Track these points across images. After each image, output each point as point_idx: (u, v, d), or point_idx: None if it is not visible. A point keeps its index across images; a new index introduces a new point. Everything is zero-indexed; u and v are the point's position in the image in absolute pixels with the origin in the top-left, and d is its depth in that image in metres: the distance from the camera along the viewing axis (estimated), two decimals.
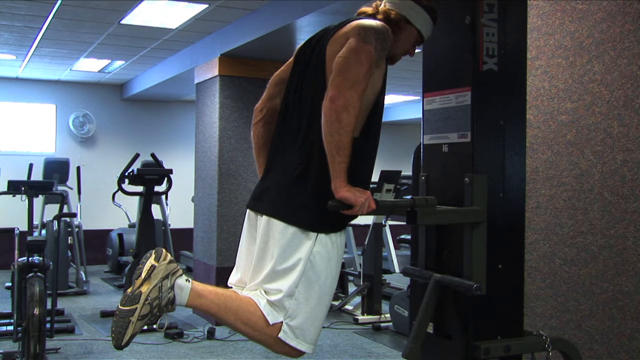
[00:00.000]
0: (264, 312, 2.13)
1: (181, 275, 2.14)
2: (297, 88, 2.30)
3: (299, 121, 2.24)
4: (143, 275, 2.09)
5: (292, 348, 2.17)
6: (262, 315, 2.13)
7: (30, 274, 4.27)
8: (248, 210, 2.35)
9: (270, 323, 2.13)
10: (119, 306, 2.08)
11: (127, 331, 2.06)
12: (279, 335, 2.14)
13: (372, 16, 2.27)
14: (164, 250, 2.18)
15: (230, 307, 2.15)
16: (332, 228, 2.19)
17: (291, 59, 2.44)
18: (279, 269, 2.14)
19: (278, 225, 2.16)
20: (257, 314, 2.13)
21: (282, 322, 2.14)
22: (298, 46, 2.42)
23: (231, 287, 2.35)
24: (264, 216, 2.21)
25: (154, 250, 2.17)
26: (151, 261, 2.12)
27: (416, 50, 2.37)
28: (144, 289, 2.07)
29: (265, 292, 2.16)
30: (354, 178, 2.11)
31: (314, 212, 2.15)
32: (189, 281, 2.13)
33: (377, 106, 2.24)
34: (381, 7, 2.29)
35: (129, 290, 2.09)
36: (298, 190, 2.18)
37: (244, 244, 2.36)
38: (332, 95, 2.02)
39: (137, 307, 2.05)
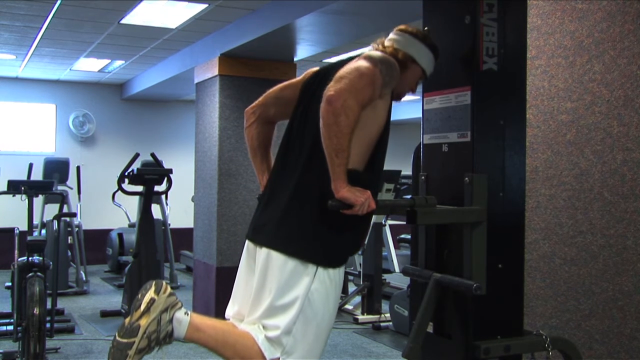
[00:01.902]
0: (262, 347, 2.13)
1: (180, 308, 2.16)
2: (301, 121, 2.30)
3: (301, 154, 2.24)
4: (142, 307, 2.10)
5: None
6: (260, 350, 2.13)
7: (30, 274, 4.27)
8: (247, 241, 2.34)
9: (268, 359, 2.13)
10: (117, 337, 2.09)
11: None
12: None
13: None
14: (164, 282, 2.19)
15: (228, 341, 2.16)
16: (331, 262, 2.18)
17: (296, 80, 2.44)
18: (277, 305, 2.14)
19: (277, 259, 2.15)
20: (255, 349, 2.14)
21: (279, 359, 2.14)
22: (307, 72, 2.41)
23: (229, 319, 2.35)
24: (264, 248, 2.21)
25: (154, 282, 2.17)
26: (151, 293, 2.13)
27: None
28: (143, 322, 2.08)
29: (263, 327, 2.16)
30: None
31: (314, 245, 2.15)
32: (187, 314, 2.15)
33: (382, 141, 2.23)
34: (387, 45, 2.30)
35: (127, 321, 2.10)
36: (298, 223, 2.18)
37: (242, 276, 2.35)
38: (330, 98, 2.02)
39: (135, 341, 2.06)
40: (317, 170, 2.15)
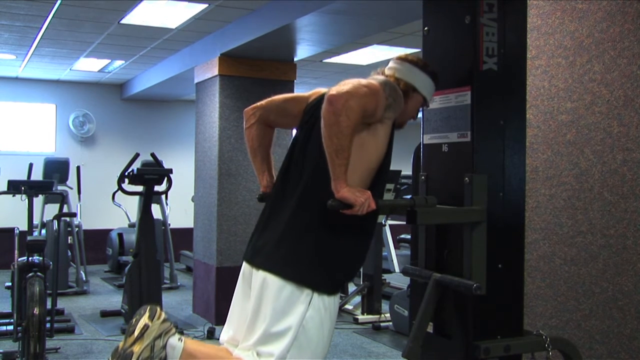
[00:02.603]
0: None
1: (174, 334, 2.16)
2: (302, 144, 2.30)
3: (301, 178, 2.24)
4: (136, 333, 2.11)
5: None
6: None
7: (30, 274, 4.27)
8: (244, 263, 2.33)
9: None
10: None
11: None
12: None
13: None
14: (158, 308, 2.18)
15: None
16: (327, 288, 2.17)
17: (302, 95, 2.43)
18: (271, 332, 2.13)
19: (273, 282, 2.14)
20: None
21: None
22: (314, 95, 2.39)
23: (223, 344, 2.34)
24: (260, 272, 2.20)
25: (148, 308, 2.17)
26: (145, 319, 2.13)
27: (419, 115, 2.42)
28: (136, 348, 2.09)
29: (257, 354, 2.15)
30: (359, 232, 2.17)
31: (311, 270, 2.15)
32: (181, 340, 2.15)
33: (382, 169, 2.23)
34: (387, 74, 2.30)
35: (121, 346, 2.11)
36: (296, 248, 2.18)
37: (238, 301, 2.34)
38: (331, 98, 2.01)
39: None
40: (317, 195, 2.15)
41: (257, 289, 2.19)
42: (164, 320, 2.14)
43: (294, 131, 2.44)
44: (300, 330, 2.12)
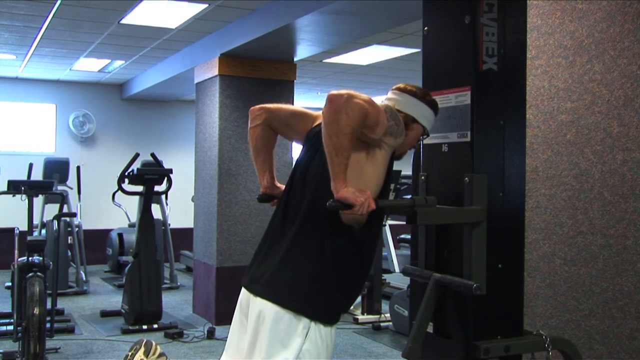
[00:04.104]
0: None
1: None
2: (303, 170, 2.29)
3: (301, 206, 2.22)
4: None
5: None
6: None
7: (30, 274, 4.27)
8: (242, 290, 2.31)
9: None
10: None
11: None
12: None
13: None
14: (153, 343, 2.17)
15: None
16: (324, 318, 2.16)
17: (309, 113, 2.41)
18: None
19: (271, 312, 2.12)
20: None
21: None
22: (319, 116, 2.34)
23: None
24: (257, 299, 2.18)
25: (144, 343, 2.16)
26: (140, 355, 2.12)
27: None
28: None
29: None
30: (358, 263, 2.16)
31: (309, 300, 2.13)
32: None
33: (381, 197, 2.20)
34: (386, 104, 2.26)
35: None
36: (294, 277, 2.16)
37: (235, 333, 2.32)
38: (332, 96, 2.00)
39: None
40: (316, 224, 2.15)
41: (253, 320, 2.17)
42: (160, 355, 2.13)
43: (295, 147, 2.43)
44: None
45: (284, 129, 2.44)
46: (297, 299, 2.13)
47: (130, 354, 2.11)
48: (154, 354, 2.12)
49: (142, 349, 2.12)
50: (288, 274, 2.17)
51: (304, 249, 2.17)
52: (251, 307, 2.21)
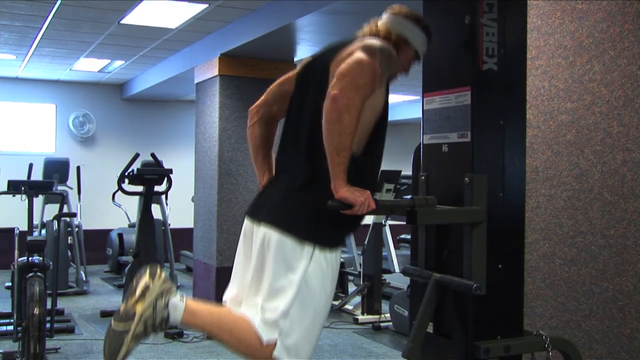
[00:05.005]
0: (258, 330, 2.13)
1: (175, 294, 2.16)
2: (299, 105, 2.32)
3: (301, 137, 2.26)
4: (137, 294, 2.12)
5: None
6: (256, 333, 2.13)
7: (30, 274, 4.27)
8: (245, 221, 2.35)
9: (264, 342, 2.13)
10: (113, 324, 2.11)
11: (122, 350, 2.08)
12: (274, 354, 2.14)
13: (374, 36, 2.28)
14: (158, 267, 2.19)
15: (224, 325, 2.17)
16: (328, 243, 2.18)
17: (293, 72, 2.45)
18: (274, 288, 2.14)
19: (275, 237, 2.16)
20: (251, 332, 2.13)
21: (275, 341, 2.13)
22: (302, 63, 2.43)
23: (226, 303, 2.36)
24: (262, 227, 2.22)
25: (148, 267, 2.17)
26: (145, 280, 2.14)
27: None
28: (139, 308, 2.10)
29: (260, 310, 2.16)
30: (360, 187, 2.12)
31: (312, 225, 2.16)
32: (182, 300, 2.15)
33: (380, 125, 2.24)
34: (380, 26, 2.31)
35: (123, 307, 2.12)
36: (297, 205, 2.20)
37: (240, 260, 2.36)
38: (334, 95, 2.03)
39: (131, 326, 2.08)
40: (315, 154, 2.17)
41: (258, 245, 2.21)
42: (165, 280, 2.15)
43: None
44: (303, 285, 2.13)
45: (283, 105, 2.45)
46: (300, 225, 2.16)
47: (135, 280, 2.14)
48: (159, 278, 2.15)
49: (147, 274, 2.15)
50: (290, 202, 2.21)
51: (305, 179, 2.20)
52: (255, 235, 2.25)
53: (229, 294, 2.37)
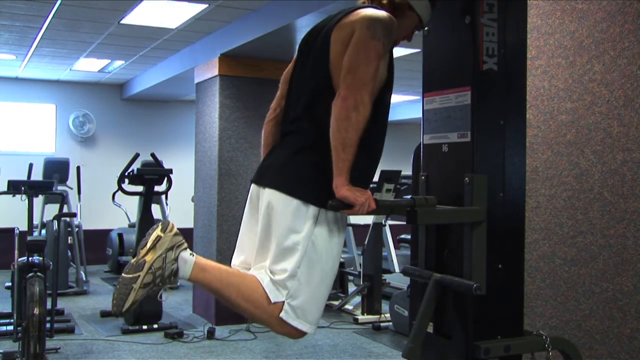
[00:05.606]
0: (266, 289, 2.14)
1: (186, 248, 2.16)
2: (301, 70, 2.33)
3: (303, 103, 2.26)
4: (148, 244, 2.12)
5: (293, 328, 2.17)
6: (264, 293, 2.13)
7: (30, 274, 4.27)
8: (251, 188, 2.37)
9: (272, 301, 2.13)
10: (122, 274, 2.10)
11: (129, 298, 2.06)
12: (280, 315, 2.14)
13: (377, 2, 2.27)
14: (170, 222, 2.20)
15: (232, 283, 2.15)
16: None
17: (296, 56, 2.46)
18: (281, 250, 2.15)
19: (280, 199, 2.16)
20: (259, 291, 2.14)
21: (283, 302, 2.14)
22: (302, 38, 2.44)
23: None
24: (267, 190, 2.22)
25: (161, 221, 2.20)
26: (157, 232, 2.15)
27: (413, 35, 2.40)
28: (148, 258, 2.09)
29: (270, 272, 2.17)
30: (365, 150, 2.14)
31: (316, 187, 2.15)
32: (193, 255, 2.15)
33: (385, 93, 2.24)
34: None
35: (134, 260, 2.12)
36: (301, 167, 2.20)
37: (246, 225, 2.38)
38: (344, 95, 2.05)
39: (140, 275, 2.07)
40: (317, 116, 2.18)
41: (264, 209, 2.21)
42: (176, 234, 2.16)
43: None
44: (310, 246, 2.13)
45: None
46: (304, 187, 2.16)
47: (147, 234, 2.14)
48: (170, 231, 2.17)
49: (159, 227, 2.17)
50: (295, 165, 2.21)
51: (308, 141, 2.21)
52: (261, 199, 2.26)
53: (236, 259, 2.37)
